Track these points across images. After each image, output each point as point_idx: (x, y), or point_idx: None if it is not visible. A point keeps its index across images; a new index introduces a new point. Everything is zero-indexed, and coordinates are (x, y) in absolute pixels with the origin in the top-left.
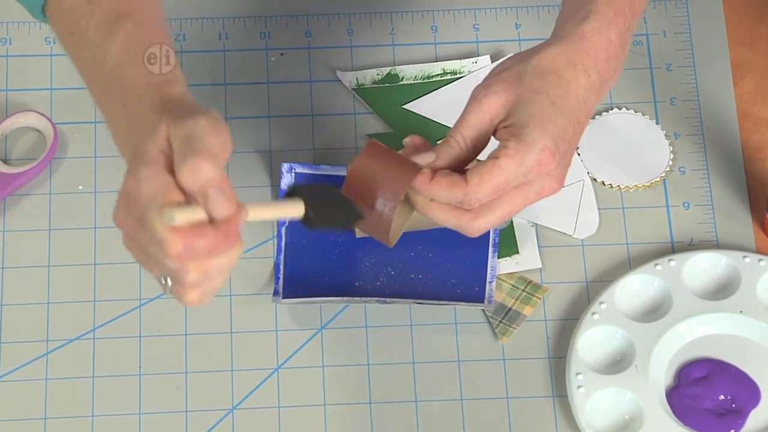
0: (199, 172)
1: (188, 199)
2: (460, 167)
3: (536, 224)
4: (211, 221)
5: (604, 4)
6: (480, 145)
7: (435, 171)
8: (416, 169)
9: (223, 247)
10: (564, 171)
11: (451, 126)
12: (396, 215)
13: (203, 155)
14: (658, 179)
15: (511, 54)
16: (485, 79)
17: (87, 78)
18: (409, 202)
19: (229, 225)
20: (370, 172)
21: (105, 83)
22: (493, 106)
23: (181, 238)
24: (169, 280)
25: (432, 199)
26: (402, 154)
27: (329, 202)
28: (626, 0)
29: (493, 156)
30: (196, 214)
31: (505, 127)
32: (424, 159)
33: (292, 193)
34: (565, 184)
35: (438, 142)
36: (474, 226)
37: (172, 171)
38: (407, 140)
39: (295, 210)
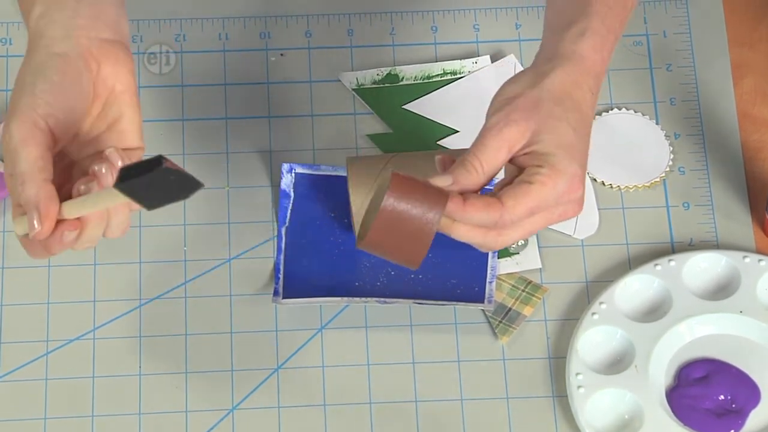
0: (22, 194)
1: None
2: (473, 191)
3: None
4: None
5: (599, 21)
6: (495, 171)
7: (464, 195)
8: (444, 197)
9: (46, 255)
10: (584, 193)
11: (451, 126)
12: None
13: (20, 178)
14: (658, 179)
15: (517, 73)
16: (497, 105)
17: None
18: None
19: (44, 242)
20: (401, 209)
21: None
22: (513, 136)
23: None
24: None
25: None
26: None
27: (153, 176)
28: (618, 17)
29: (526, 180)
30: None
31: (525, 153)
32: (440, 182)
33: (120, 185)
34: None
35: (452, 161)
36: (499, 243)
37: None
38: (438, 159)
39: (114, 198)
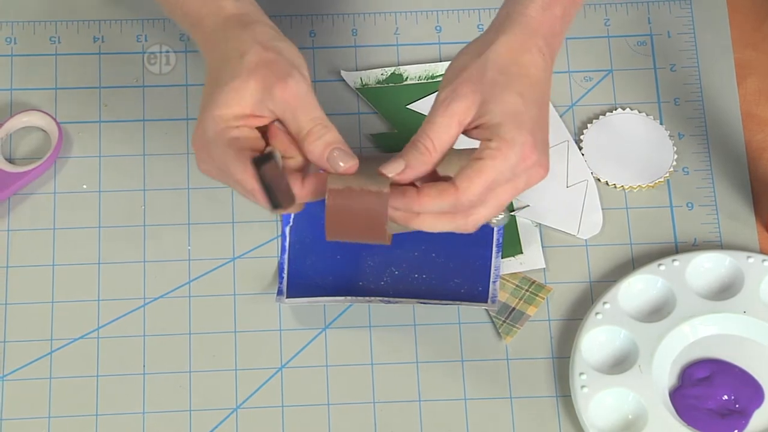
0: (324, 137)
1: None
2: (430, 171)
3: (540, 224)
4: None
5: None
6: (448, 147)
7: (414, 185)
8: (383, 200)
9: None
10: (546, 156)
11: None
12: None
13: (324, 123)
14: (661, 179)
15: (466, 45)
16: (446, 81)
17: (164, 7)
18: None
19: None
20: (344, 214)
21: (177, 7)
22: (460, 110)
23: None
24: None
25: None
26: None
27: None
28: None
29: (477, 157)
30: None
31: (476, 127)
32: (393, 168)
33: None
34: (569, 185)
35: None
36: (470, 224)
37: (250, 125)
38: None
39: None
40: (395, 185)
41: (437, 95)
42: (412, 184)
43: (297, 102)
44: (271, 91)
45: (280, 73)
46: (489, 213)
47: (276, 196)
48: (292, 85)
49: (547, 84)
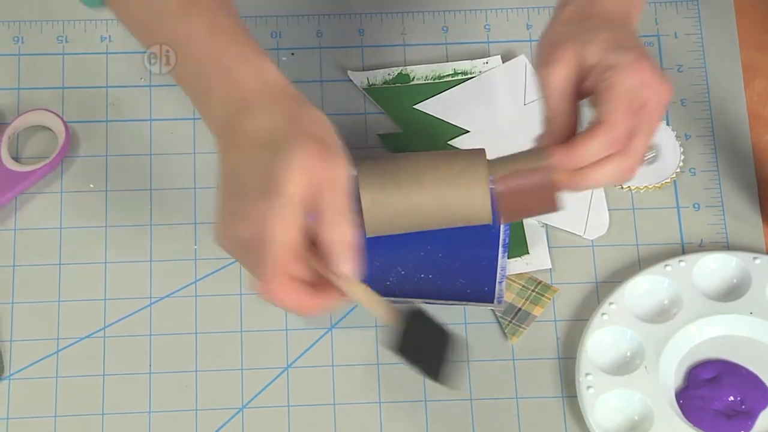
0: (344, 235)
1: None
2: (570, 136)
3: (546, 225)
4: (312, 284)
5: None
6: (576, 110)
7: (564, 145)
8: (549, 167)
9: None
10: (663, 73)
11: (462, 126)
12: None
13: (347, 219)
14: (668, 180)
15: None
16: (539, 62)
17: (179, 55)
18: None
19: (329, 291)
20: (515, 197)
21: (195, 57)
22: (562, 72)
23: (280, 289)
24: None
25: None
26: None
27: (428, 346)
28: None
29: (602, 90)
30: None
31: (588, 80)
32: (539, 148)
33: (409, 314)
34: None
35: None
36: (633, 158)
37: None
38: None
39: (389, 317)
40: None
41: (537, 72)
42: None
43: (332, 187)
44: (313, 171)
45: (323, 151)
46: (644, 142)
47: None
48: (330, 169)
49: (631, 26)
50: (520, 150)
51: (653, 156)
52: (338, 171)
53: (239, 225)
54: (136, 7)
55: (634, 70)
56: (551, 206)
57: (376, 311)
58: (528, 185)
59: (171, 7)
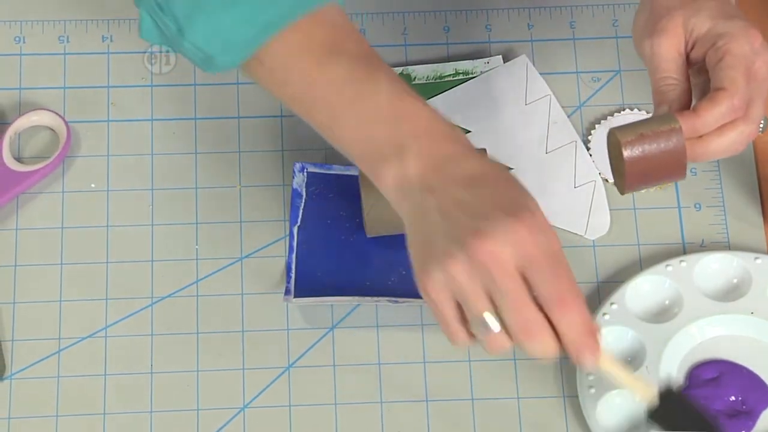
0: (582, 315)
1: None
2: (688, 106)
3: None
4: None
5: None
6: (687, 78)
7: (687, 111)
8: (678, 130)
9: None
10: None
11: (463, 126)
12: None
13: (576, 295)
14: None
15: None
16: (639, 39)
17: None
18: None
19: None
20: (643, 162)
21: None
22: (671, 45)
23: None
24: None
25: (700, 136)
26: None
27: (685, 419)
28: None
29: (716, 59)
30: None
31: (695, 48)
32: (661, 109)
33: (664, 395)
34: (576, 185)
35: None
36: (753, 123)
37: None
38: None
39: (645, 393)
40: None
41: (643, 55)
42: None
43: (547, 257)
44: (516, 245)
45: (516, 210)
46: (760, 109)
47: None
48: (536, 232)
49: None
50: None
51: (764, 125)
52: (545, 240)
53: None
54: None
55: (746, 37)
56: (680, 172)
57: (633, 387)
58: (656, 150)
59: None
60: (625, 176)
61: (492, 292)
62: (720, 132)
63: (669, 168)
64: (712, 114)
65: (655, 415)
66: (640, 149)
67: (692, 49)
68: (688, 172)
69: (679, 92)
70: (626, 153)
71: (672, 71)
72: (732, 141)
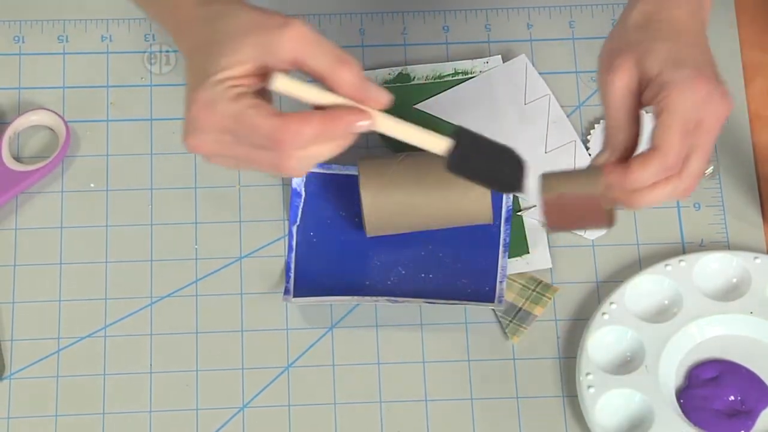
0: (356, 68)
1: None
2: (632, 151)
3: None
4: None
5: None
6: (637, 119)
7: (619, 164)
8: (596, 198)
9: (330, 134)
10: (723, 88)
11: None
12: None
13: (348, 55)
14: None
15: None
16: (601, 64)
17: None
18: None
19: (342, 115)
20: (562, 219)
21: None
22: (622, 81)
23: (288, 125)
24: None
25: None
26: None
27: (488, 154)
28: None
29: (657, 112)
30: (300, 87)
31: (646, 90)
32: (601, 159)
33: (454, 133)
34: None
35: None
36: (687, 182)
37: (246, 84)
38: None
39: (438, 144)
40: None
41: (598, 81)
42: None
43: (308, 42)
44: (272, 45)
45: (277, 24)
46: (700, 163)
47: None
48: (296, 28)
49: (698, 32)
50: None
51: (711, 171)
52: (298, 26)
53: (195, 128)
54: None
55: (690, 88)
56: (601, 223)
57: (421, 139)
58: (574, 209)
59: None
60: (547, 223)
61: None
62: (653, 188)
63: (588, 222)
64: (642, 175)
65: (454, 162)
66: (558, 207)
67: (646, 88)
68: None
69: (624, 138)
70: (545, 209)
71: (621, 113)
72: (665, 196)
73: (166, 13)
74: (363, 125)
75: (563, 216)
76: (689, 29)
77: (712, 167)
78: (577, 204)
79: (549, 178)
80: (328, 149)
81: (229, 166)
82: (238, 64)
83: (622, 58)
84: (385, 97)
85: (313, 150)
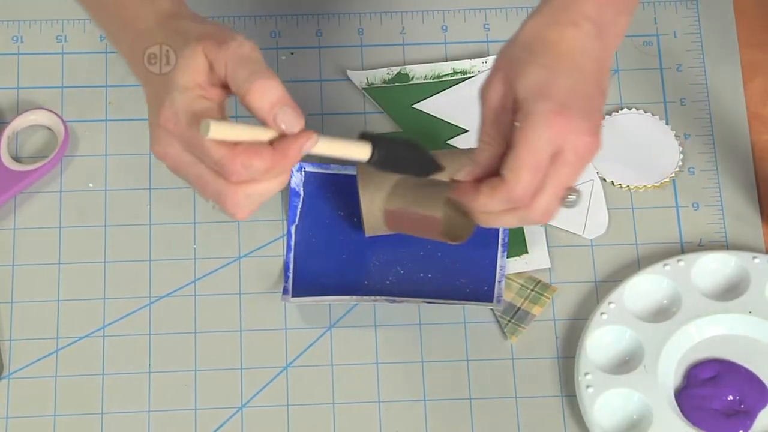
0: (269, 92)
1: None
2: (497, 167)
3: (545, 224)
4: (270, 143)
5: None
6: (505, 133)
7: (474, 184)
8: (436, 221)
9: (280, 167)
10: (591, 124)
11: (461, 125)
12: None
13: (267, 77)
14: (667, 180)
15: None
16: (485, 76)
17: (87, 5)
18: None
19: (290, 145)
20: (402, 228)
21: (103, 6)
22: (495, 97)
23: (238, 156)
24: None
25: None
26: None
27: (401, 149)
28: None
29: (513, 142)
30: (236, 131)
31: (518, 111)
32: (460, 175)
33: (362, 137)
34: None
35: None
36: (537, 215)
37: (212, 97)
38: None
39: (361, 151)
40: (461, 185)
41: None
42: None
43: (237, 60)
44: (215, 57)
45: (222, 38)
46: (551, 199)
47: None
48: (234, 47)
49: (588, 52)
50: None
51: (573, 200)
52: (235, 45)
53: (160, 137)
54: None
55: (546, 124)
56: (439, 238)
57: (347, 151)
58: (413, 225)
59: None
60: (386, 226)
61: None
62: (501, 214)
63: (427, 235)
64: (488, 202)
65: (379, 163)
66: (396, 216)
67: (514, 110)
68: (686, 171)
69: (489, 155)
70: (385, 217)
71: (489, 128)
72: (515, 224)
73: (122, 29)
74: (309, 147)
75: (401, 224)
76: (576, 53)
77: (575, 196)
78: (416, 219)
79: (391, 195)
80: (277, 184)
81: (190, 185)
82: (195, 73)
83: (497, 75)
84: (299, 127)
85: (262, 187)
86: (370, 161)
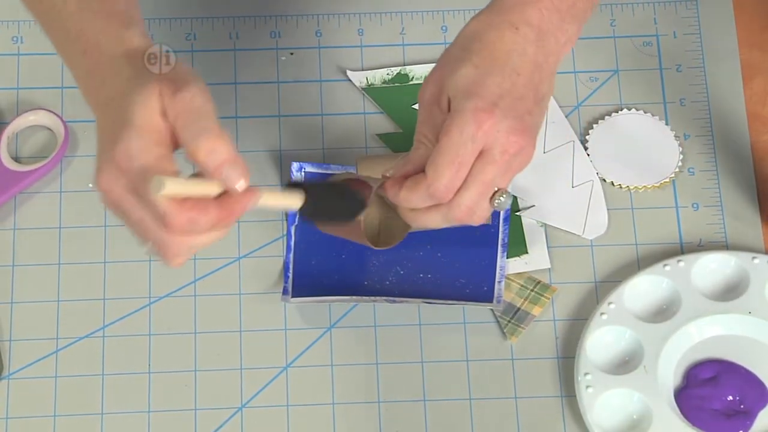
0: (216, 153)
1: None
2: (416, 163)
3: (545, 224)
4: (215, 199)
5: None
6: (428, 131)
7: (402, 180)
8: (357, 223)
9: (224, 223)
10: (521, 124)
11: (299, 181)
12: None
13: (216, 135)
14: (667, 180)
15: None
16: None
17: (45, 25)
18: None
19: (235, 204)
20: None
21: (64, 29)
22: (429, 95)
23: (185, 212)
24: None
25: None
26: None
27: (329, 195)
28: None
29: (439, 138)
30: (186, 188)
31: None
32: (392, 171)
33: (293, 186)
34: (574, 185)
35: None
36: (460, 213)
37: (165, 143)
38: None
39: (294, 201)
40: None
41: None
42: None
43: (188, 114)
44: (168, 104)
45: (178, 85)
46: (475, 196)
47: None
48: (187, 99)
49: (525, 55)
50: None
51: (502, 201)
52: (188, 97)
53: (109, 171)
54: None
55: (471, 121)
56: (365, 243)
57: (284, 203)
58: (341, 231)
59: None
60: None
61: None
62: (426, 211)
63: (354, 239)
64: (410, 198)
65: (309, 213)
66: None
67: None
68: (685, 172)
69: (423, 153)
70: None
71: (423, 126)
72: (438, 222)
73: (81, 54)
74: (253, 204)
75: (331, 228)
76: (512, 55)
77: (504, 197)
78: (342, 232)
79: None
80: (219, 236)
81: (127, 225)
82: (153, 112)
83: (434, 74)
84: (245, 185)
85: (204, 238)
86: (302, 210)
